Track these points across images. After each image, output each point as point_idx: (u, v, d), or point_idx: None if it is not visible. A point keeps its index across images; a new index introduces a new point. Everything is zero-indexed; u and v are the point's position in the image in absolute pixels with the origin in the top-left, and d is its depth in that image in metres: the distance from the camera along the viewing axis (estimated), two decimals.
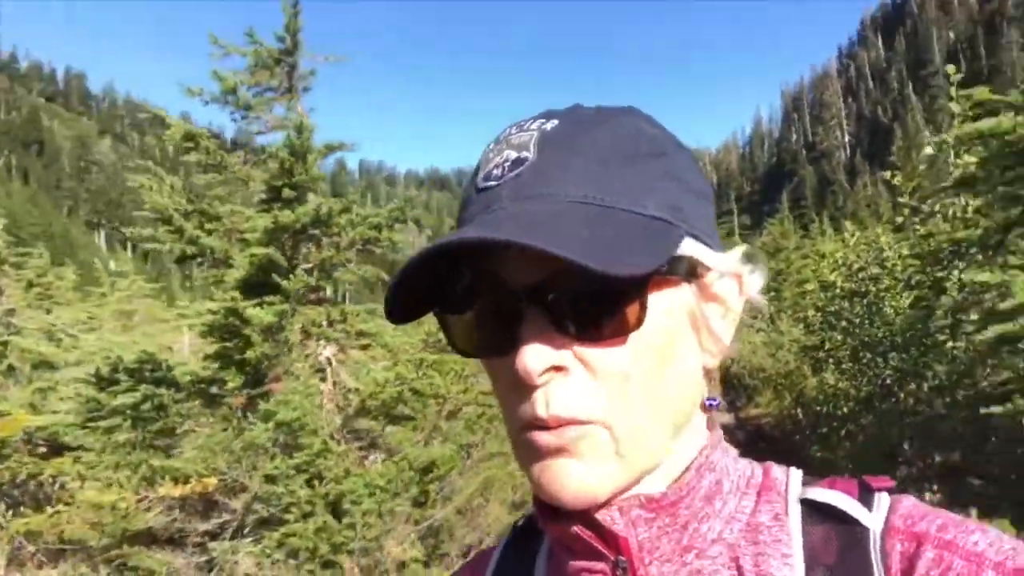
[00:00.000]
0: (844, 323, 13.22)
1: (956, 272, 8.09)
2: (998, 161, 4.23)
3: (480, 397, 7.67)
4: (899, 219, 11.68)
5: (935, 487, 8.85)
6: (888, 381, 11.96)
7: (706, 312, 0.61)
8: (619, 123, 0.59)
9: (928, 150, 7.75)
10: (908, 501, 0.60)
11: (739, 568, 0.58)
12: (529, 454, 0.57)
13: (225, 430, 6.31)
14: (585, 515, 0.58)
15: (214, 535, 6.56)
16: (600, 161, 0.56)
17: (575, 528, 0.59)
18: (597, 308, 0.54)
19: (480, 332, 0.58)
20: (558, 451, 0.54)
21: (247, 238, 6.64)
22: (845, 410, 13.09)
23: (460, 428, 7.18)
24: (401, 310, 0.58)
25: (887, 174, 11.01)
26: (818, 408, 14.32)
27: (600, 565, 0.59)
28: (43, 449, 12.10)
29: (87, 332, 13.87)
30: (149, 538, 6.49)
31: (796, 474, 0.65)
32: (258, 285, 6.63)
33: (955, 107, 8.34)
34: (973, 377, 9.28)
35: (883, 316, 12.20)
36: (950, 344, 9.98)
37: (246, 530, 6.51)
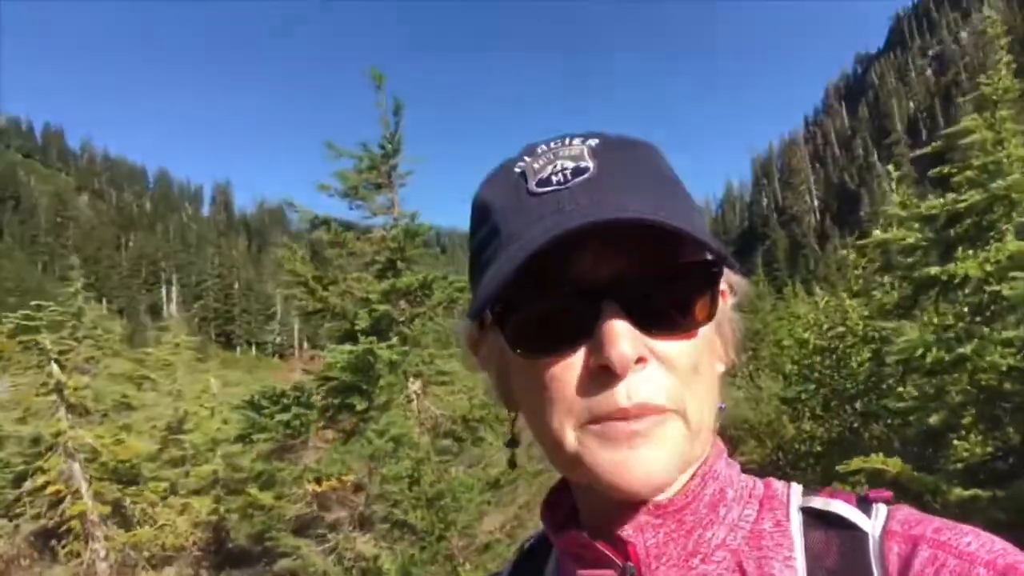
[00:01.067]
0: (816, 375, 15.46)
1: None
2: (903, 252, 6.62)
3: None
4: (855, 287, 14.07)
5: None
6: (855, 425, 14.16)
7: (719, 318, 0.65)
8: (650, 148, 0.65)
9: (877, 233, 10.17)
10: (905, 509, 0.62)
11: (743, 572, 0.60)
12: (597, 446, 0.56)
13: (357, 441, 8.31)
14: (594, 523, 0.62)
15: (334, 527, 8.49)
16: (653, 177, 0.61)
17: (584, 535, 0.62)
18: (675, 301, 0.58)
19: (547, 328, 0.57)
20: (636, 437, 0.55)
21: (369, 297, 8.77)
22: (819, 449, 15.20)
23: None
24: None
25: (845, 251, 13.43)
26: (797, 447, 16.46)
27: (608, 572, 0.61)
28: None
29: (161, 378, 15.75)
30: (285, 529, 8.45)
31: (796, 487, 0.67)
32: (375, 333, 8.75)
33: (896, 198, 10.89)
34: (923, 413, 11.48)
35: (849, 368, 14.34)
36: (900, 389, 12.24)
37: (360, 523, 8.45)
